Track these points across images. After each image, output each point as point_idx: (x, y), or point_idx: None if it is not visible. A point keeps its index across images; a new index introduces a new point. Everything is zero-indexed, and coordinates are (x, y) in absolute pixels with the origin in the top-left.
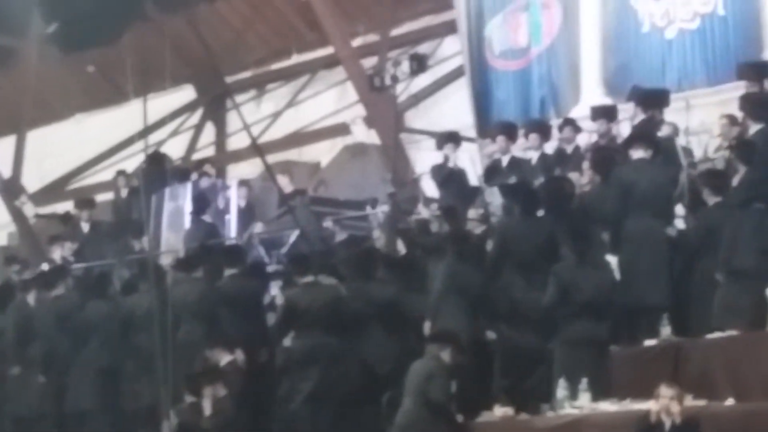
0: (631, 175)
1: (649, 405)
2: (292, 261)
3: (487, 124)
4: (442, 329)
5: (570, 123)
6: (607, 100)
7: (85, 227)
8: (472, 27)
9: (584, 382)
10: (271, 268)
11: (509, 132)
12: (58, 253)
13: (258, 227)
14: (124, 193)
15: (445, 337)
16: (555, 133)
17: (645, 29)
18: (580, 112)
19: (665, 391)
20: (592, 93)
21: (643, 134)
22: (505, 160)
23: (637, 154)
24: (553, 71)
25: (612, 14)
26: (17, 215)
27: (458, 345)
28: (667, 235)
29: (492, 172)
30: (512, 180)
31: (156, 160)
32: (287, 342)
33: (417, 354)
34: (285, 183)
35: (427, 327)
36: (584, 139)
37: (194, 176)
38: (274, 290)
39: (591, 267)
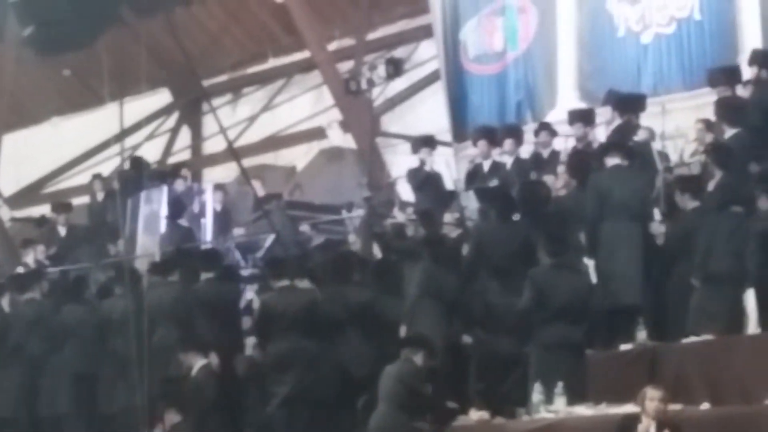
0: (607, 182)
1: (627, 408)
2: (267, 265)
3: (463, 128)
4: (415, 333)
5: (546, 127)
6: (582, 105)
7: (62, 231)
8: (447, 31)
9: (560, 386)
10: (247, 272)
11: (490, 136)
12: (31, 257)
13: (235, 231)
14: (100, 196)
15: (417, 341)
16: (531, 137)
17: (620, 34)
18: (556, 116)
19: (652, 393)
20: (567, 97)
21: (619, 142)
22: (486, 165)
23: (613, 161)
24: (529, 75)
25: (588, 18)
26: None
27: (430, 348)
28: (643, 238)
29: (473, 176)
30: (492, 184)
31: (136, 165)
32: (249, 351)
33: (393, 358)
34: (258, 187)
35: (403, 331)
36: (561, 144)
37: (170, 180)
38: (250, 294)
39: (567, 271)
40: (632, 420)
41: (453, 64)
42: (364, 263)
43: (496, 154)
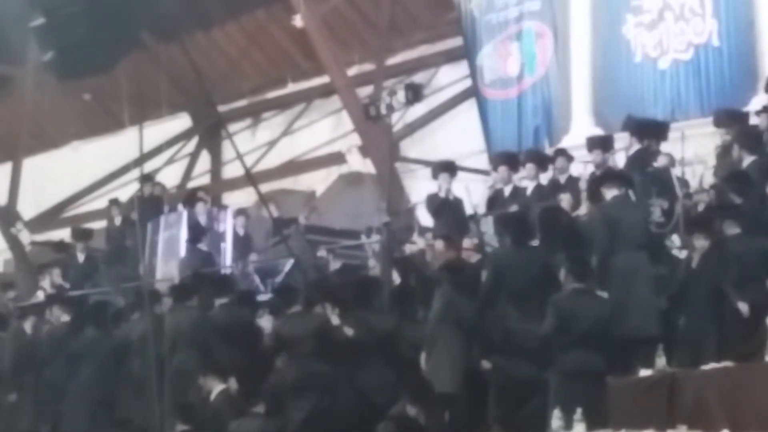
0: (614, 212)
1: None
2: (277, 293)
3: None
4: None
5: (562, 153)
6: (597, 130)
7: (81, 257)
8: (469, 55)
9: (579, 413)
10: (265, 297)
11: (511, 162)
12: (47, 281)
13: (253, 256)
14: (117, 221)
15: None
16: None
17: (637, 59)
18: (570, 141)
19: None
20: (582, 123)
21: (612, 172)
22: (507, 190)
23: (611, 192)
24: (546, 100)
25: (603, 43)
26: (13, 242)
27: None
28: (652, 266)
29: (494, 202)
30: (513, 209)
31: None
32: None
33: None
34: (275, 212)
35: (423, 357)
36: (579, 169)
37: (189, 205)
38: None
39: (589, 297)
40: None
41: (475, 89)
42: (386, 289)
43: (517, 180)
